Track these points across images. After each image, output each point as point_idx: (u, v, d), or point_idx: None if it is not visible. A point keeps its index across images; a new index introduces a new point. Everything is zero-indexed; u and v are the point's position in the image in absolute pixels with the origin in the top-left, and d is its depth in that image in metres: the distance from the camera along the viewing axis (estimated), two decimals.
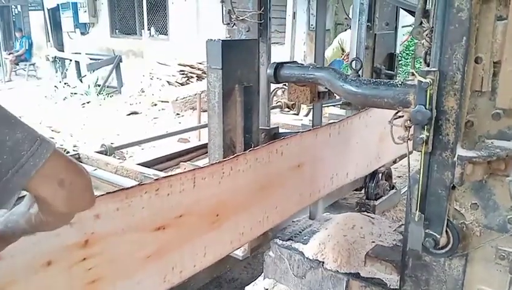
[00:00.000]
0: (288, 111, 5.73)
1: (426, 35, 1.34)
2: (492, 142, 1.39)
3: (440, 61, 1.29)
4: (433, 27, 1.32)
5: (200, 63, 9.07)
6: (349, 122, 2.20)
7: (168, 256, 1.46)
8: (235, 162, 1.62)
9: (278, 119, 4.26)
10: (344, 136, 2.18)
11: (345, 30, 7.28)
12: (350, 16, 3.23)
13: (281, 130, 3.42)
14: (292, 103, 5.77)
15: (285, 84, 6.69)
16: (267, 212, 1.84)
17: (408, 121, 1.39)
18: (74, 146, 5.25)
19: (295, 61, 1.93)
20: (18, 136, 0.66)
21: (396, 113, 1.46)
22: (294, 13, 8.81)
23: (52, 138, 5.98)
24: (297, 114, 5.58)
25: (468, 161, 1.32)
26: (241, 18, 2.68)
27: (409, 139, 1.42)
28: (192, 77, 8.96)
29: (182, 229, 1.48)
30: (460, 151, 1.34)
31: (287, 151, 1.86)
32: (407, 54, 8.72)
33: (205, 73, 9.06)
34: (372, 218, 2.25)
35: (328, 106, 4.08)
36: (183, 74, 8.91)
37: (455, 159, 1.33)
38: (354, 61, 1.52)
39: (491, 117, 1.39)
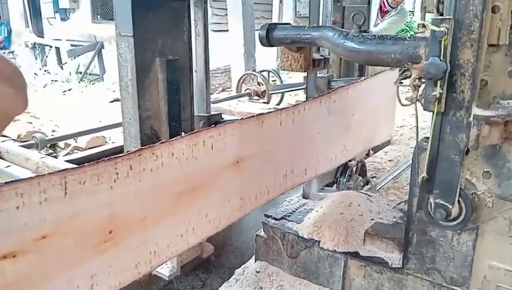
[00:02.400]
0: (258, 99, 5.43)
1: None
2: (508, 103, 1.26)
3: (455, 8, 1.15)
4: None
5: None
6: (306, 108, 1.74)
7: None
8: (137, 159, 1.18)
9: (244, 108, 3.94)
10: (300, 124, 1.73)
11: None
12: None
13: (226, 117, 3.12)
14: (262, 90, 5.52)
15: (254, 70, 6.47)
16: (192, 223, 1.40)
17: (417, 80, 1.26)
18: (53, 131, 5.02)
19: (289, 23, 1.77)
20: None
21: (403, 72, 1.32)
22: None
23: (30, 123, 5.75)
24: (268, 102, 5.18)
25: (485, 121, 1.19)
26: None
27: (417, 100, 1.28)
28: None
29: (46, 256, 1.04)
30: (476, 110, 1.21)
31: (220, 143, 1.41)
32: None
33: None
34: (370, 196, 2.12)
35: (294, 91, 3.80)
36: None
37: (471, 119, 1.20)
38: (356, 15, 1.37)
39: (507, 75, 1.26)
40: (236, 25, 6.66)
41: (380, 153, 4.98)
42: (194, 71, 2.67)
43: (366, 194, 2.14)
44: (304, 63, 1.85)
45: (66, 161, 2.93)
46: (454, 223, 1.32)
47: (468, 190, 1.37)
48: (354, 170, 2.89)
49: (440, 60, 1.13)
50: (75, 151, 4.01)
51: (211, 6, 8.86)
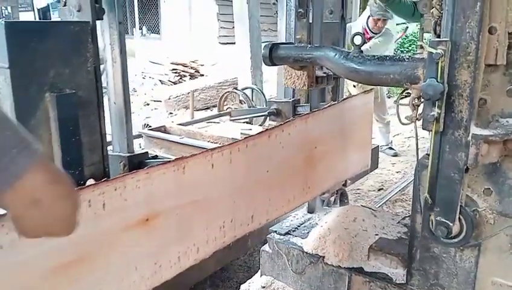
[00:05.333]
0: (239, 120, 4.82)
1: (436, 3, 1.22)
2: (507, 121, 1.28)
3: (452, 31, 1.18)
4: None
5: (193, 62, 8.95)
6: (249, 144, 1.45)
7: None
8: None
9: (217, 131, 3.58)
10: (240, 165, 1.45)
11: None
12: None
13: (160, 154, 2.78)
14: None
15: (235, 88, 6.23)
16: None
17: (416, 99, 1.28)
18: None
19: (291, 42, 1.81)
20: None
21: (403, 91, 1.35)
22: None
23: None
24: (250, 122, 4.26)
25: (483, 140, 1.21)
26: None
27: (417, 119, 1.30)
28: (185, 76, 8.83)
29: None
30: (475, 129, 1.23)
31: (118, 202, 1.08)
32: (401, 51, 8.59)
33: (198, 71, 8.98)
34: (374, 210, 2.13)
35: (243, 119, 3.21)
36: (175, 73, 8.78)
37: (469, 138, 1.22)
38: (356, 36, 1.40)
39: (506, 94, 1.28)
40: (242, 38, 6.72)
41: (387, 164, 4.98)
42: (113, 103, 2.48)
43: (370, 209, 2.15)
44: (307, 80, 1.87)
45: None
46: (456, 240, 1.33)
47: (470, 206, 1.39)
48: (333, 200, 2.53)
49: (437, 81, 1.15)
50: None
51: (218, 20, 8.98)
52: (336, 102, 1.81)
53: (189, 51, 8.88)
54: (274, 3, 2.45)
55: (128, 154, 2.39)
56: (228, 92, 5.72)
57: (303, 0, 2.19)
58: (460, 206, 1.31)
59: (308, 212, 2.22)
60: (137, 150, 2.69)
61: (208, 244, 1.39)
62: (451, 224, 1.29)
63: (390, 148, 5.26)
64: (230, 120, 3.90)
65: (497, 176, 1.34)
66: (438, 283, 1.54)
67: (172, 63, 8.93)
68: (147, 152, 2.51)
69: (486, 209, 1.38)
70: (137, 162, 2.35)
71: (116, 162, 2.36)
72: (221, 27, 9.27)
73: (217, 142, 3.18)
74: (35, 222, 0.59)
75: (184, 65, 8.93)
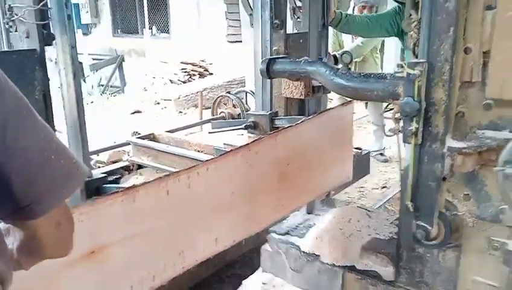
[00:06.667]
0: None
1: (414, 26, 1.34)
2: (483, 133, 1.39)
3: (428, 53, 1.30)
4: (421, 18, 1.32)
5: (202, 61, 9.08)
6: (210, 168, 1.41)
7: None
8: None
9: (205, 139, 3.53)
10: (201, 189, 1.41)
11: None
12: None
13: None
14: (238, 113, 5.22)
15: (228, 92, 6.19)
16: None
17: (398, 113, 1.40)
18: None
19: (287, 56, 1.93)
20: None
21: (388, 105, 1.46)
22: None
23: None
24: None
25: (458, 152, 1.33)
26: (18, 17, 1.86)
27: (399, 131, 1.42)
28: (194, 75, 8.97)
29: None
30: (450, 142, 1.34)
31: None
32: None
33: (207, 70, 9.11)
34: (370, 211, 2.25)
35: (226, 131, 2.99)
36: (185, 72, 8.93)
37: (445, 150, 1.33)
38: (344, 55, 1.52)
39: (482, 107, 1.39)
40: (248, 38, 6.83)
41: (393, 162, 5.04)
42: (69, 127, 2.55)
43: (366, 209, 2.28)
44: (304, 90, 2.00)
45: None
46: (434, 242, 1.45)
47: (450, 211, 1.50)
48: None
49: (414, 100, 1.27)
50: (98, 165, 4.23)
51: (227, 19, 9.08)
52: (310, 116, 1.81)
53: (198, 50, 9.01)
54: (250, 15, 2.32)
55: (86, 179, 2.32)
56: (221, 96, 5.67)
57: (279, 11, 2.16)
58: (440, 211, 1.43)
59: (307, 212, 2.35)
60: (95, 173, 2.64)
61: (165, 271, 1.37)
62: (430, 228, 1.41)
63: (381, 154, 5.16)
64: (209, 133, 3.74)
65: (475, 183, 1.46)
66: (423, 281, 1.66)
67: (181, 62, 9.08)
68: (105, 176, 2.40)
69: (466, 213, 1.50)
70: (94, 188, 2.29)
71: None
72: (229, 25, 9.37)
73: (203, 151, 3.21)
74: (55, 243, 0.70)
75: (193, 64, 9.07)
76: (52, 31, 2.05)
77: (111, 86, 10.50)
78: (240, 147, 1.54)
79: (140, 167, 3.47)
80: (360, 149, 2.31)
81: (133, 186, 1.23)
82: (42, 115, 1.66)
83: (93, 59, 10.77)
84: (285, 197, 1.75)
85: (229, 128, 2.51)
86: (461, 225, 1.51)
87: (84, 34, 12.10)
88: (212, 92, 7.89)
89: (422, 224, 1.42)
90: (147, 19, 10.71)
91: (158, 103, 8.49)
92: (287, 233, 2.14)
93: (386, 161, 5.02)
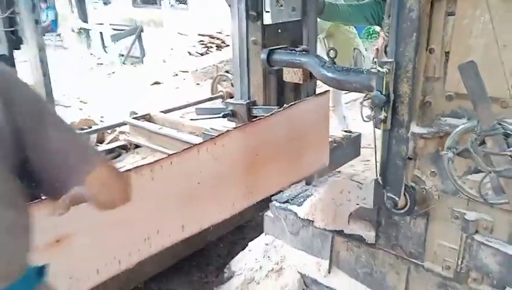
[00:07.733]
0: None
1: (386, 30, 1.57)
2: (445, 120, 1.63)
3: (396, 53, 1.53)
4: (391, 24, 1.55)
5: (219, 33, 9.24)
6: (174, 161, 1.50)
7: None
8: None
9: (202, 121, 3.11)
10: (164, 181, 1.49)
11: None
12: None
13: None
14: None
15: (227, 71, 6.12)
16: None
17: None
18: (101, 117, 5.62)
19: (286, 47, 2.16)
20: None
21: (366, 95, 1.71)
22: None
23: (81, 109, 6.36)
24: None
25: (420, 137, 1.58)
26: None
27: (374, 118, 1.68)
28: (211, 47, 9.16)
29: None
30: (414, 128, 1.60)
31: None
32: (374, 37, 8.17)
33: (224, 42, 9.27)
34: (361, 183, 2.53)
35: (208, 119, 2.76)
36: (202, 44, 9.12)
37: (409, 135, 1.59)
38: (330, 51, 1.76)
39: (445, 98, 1.63)
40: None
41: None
42: None
43: (358, 182, 2.55)
44: (302, 76, 2.24)
45: None
46: (402, 211, 1.73)
47: (419, 185, 1.77)
48: None
49: (381, 93, 1.52)
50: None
51: None
52: (286, 106, 1.88)
53: (215, 22, 9.17)
54: (230, 5, 2.28)
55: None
56: (220, 75, 5.61)
57: (254, 3, 2.13)
58: (406, 185, 1.70)
59: (306, 184, 2.64)
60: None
61: (131, 256, 1.47)
62: (397, 199, 1.68)
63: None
64: (191, 120, 3.69)
65: (439, 162, 1.71)
66: (398, 244, 1.95)
67: (199, 34, 9.26)
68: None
69: (432, 187, 1.76)
70: None
71: None
72: None
73: (195, 133, 3.28)
74: (105, 197, 0.97)
75: (211, 36, 9.24)
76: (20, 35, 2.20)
77: (131, 56, 10.79)
78: (204, 141, 1.66)
79: (137, 146, 3.67)
80: (350, 132, 2.52)
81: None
82: None
83: (114, 29, 11.03)
84: (254, 186, 1.83)
85: (210, 116, 2.45)
86: (428, 197, 1.77)
87: (104, 3, 12.34)
88: (229, 64, 8.09)
89: (391, 195, 1.69)
90: None
91: (176, 75, 8.75)
92: (286, 201, 2.44)
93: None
